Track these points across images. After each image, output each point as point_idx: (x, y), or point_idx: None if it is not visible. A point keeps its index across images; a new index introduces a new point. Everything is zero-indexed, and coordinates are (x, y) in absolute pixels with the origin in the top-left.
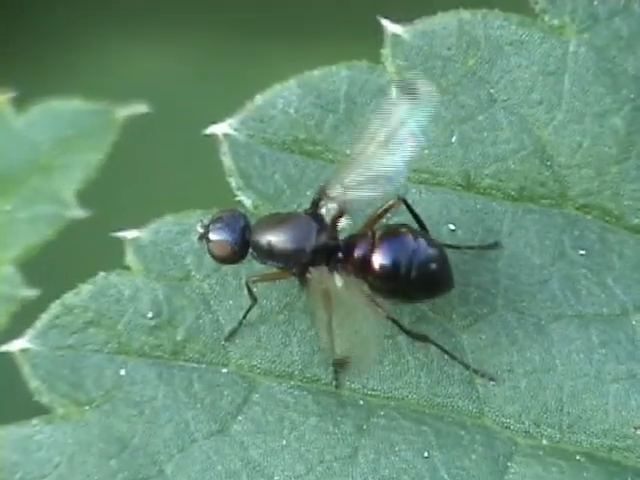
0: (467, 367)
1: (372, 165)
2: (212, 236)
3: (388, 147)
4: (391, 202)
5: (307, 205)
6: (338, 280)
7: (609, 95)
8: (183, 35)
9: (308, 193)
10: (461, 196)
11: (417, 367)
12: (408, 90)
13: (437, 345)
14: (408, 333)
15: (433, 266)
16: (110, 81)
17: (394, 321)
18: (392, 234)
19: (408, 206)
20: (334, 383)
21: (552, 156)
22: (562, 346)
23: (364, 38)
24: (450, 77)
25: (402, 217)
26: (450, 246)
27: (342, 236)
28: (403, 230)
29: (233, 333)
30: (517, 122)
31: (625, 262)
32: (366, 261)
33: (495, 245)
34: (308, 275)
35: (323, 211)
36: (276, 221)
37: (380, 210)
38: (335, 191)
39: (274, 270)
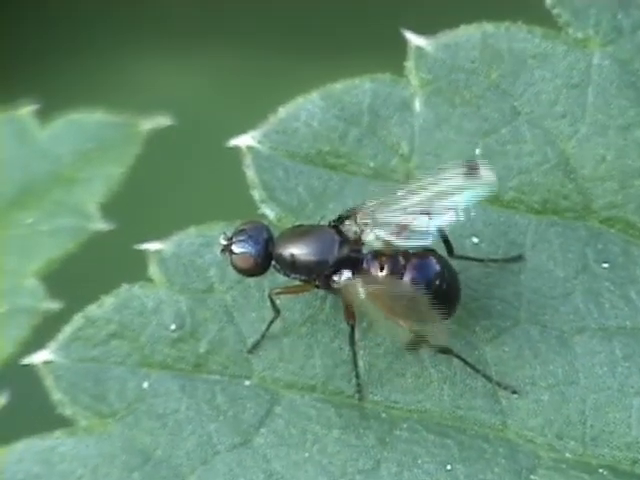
0: (490, 380)
1: (408, 215)
2: (235, 249)
3: (431, 206)
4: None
5: (331, 217)
6: (362, 292)
7: (633, 108)
8: (206, 51)
9: (331, 206)
10: (484, 209)
11: (440, 380)
12: (471, 169)
13: (460, 358)
14: (431, 346)
15: (449, 293)
16: (135, 96)
17: (416, 334)
18: (422, 257)
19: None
20: (357, 396)
21: (575, 169)
22: (585, 359)
23: (387, 51)
24: (473, 90)
25: None
26: (474, 259)
27: (366, 249)
28: (431, 255)
29: (256, 345)
30: (541, 135)
31: None
32: (395, 279)
33: (518, 258)
34: (334, 284)
35: (346, 227)
36: (299, 233)
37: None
38: (364, 220)
39: (297, 282)
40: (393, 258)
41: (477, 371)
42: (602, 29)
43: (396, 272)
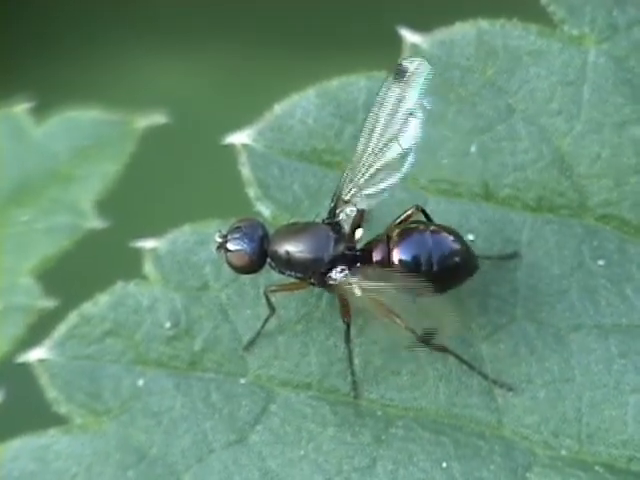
0: (485, 377)
1: (378, 156)
2: (230, 246)
3: (389, 134)
4: (409, 211)
5: (325, 215)
6: (357, 289)
7: (628, 105)
8: (202, 49)
9: (326, 203)
10: (480, 206)
11: (435, 377)
12: (399, 72)
13: (456, 355)
14: (427, 343)
15: (456, 255)
16: (131, 94)
17: (413, 332)
18: (408, 232)
19: (426, 214)
20: (352, 394)
21: (571, 166)
22: (581, 356)
23: (383, 48)
24: (469, 87)
25: None
26: None
27: (360, 245)
28: (419, 227)
29: (251, 343)
30: (536, 132)
31: None
32: (386, 263)
33: (514, 255)
34: (329, 281)
35: (341, 218)
36: (294, 231)
37: (398, 219)
38: (349, 194)
39: (292, 280)
40: (381, 244)
41: (473, 369)
42: (597, 26)
43: (385, 258)
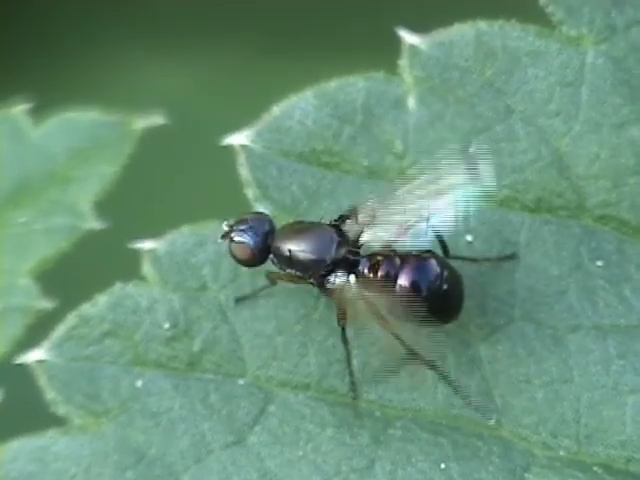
0: (469, 403)
1: (408, 214)
2: (235, 237)
3: (430, 205)
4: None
5: (333, 216)
6: (355, 296)
7: (626, 106)
8: (202, 50)
9: (325, 204)
10: (478, 207)
11: (434, 378)
12: (470, 163)
13: (443, 376)
14: (414, 355)
15: (451, 296)
16: (129, 95)
17: (400, 340)
18: (419, 260)
19: (445, 249)
20: (351, 395)
21: (569, 167)
22: (579, 357)
23: (381, 49)
24: (467, 88)
25: None
26: (467, 258)
27: (364, 251)
28: (430, 257)
29: (242, 300)
30: (534, 133)
31: None
32: (390, 281)
33: (512, 256)
34: (328, 285)
35: (347, 227)
36: (298, 230)
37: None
38: (365, 219)
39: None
40: (389, 260)
41: (456, 392)
42: (596, 27)
43: (391, 275)
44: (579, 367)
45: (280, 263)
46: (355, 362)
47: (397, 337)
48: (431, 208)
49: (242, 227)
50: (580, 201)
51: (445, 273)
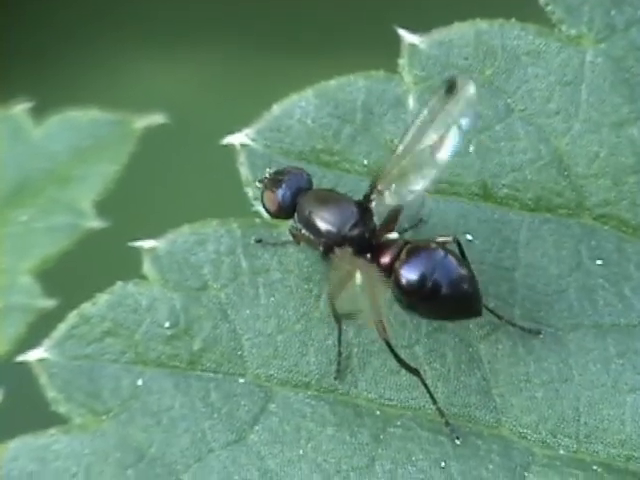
0: (442, 414)
1: (413, 159)
2: (268, 184)
3: (428, 141)
4: (443, 239)
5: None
6: (358, 277)
7: (626, 105)
8: (201, 50)
9: None
10: (478, 206)
11: (434, 377)
12: (450, 86)
13: (425, 385)
14: (399, 360)
15: (461, 287)
16: (130, 94)
17: (387, 343)
18: (421, 248)
19: (460, 247)
20: (334, 375)
21: (569, 166)
22: (579, 356)
23: (381, 48)
24: None
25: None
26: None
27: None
28: (434, 246)
29: (262, 243)
30: (534, 132)
31: None
32: (390, 270)
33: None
34: (332, 255)
35: (373, 205)
36: (325, 197)
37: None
38: (384, 184)
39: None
40: (392, 250)
41: (434, 402)
42: (595, 26)
43: (388, 267)
44: (579, 366)
45: (300, 221)
46: (355, 360)
47: (381, 325)
48: (432, 144)
49: (279, 177)
50: (580, 200)
51: (450, 266)
